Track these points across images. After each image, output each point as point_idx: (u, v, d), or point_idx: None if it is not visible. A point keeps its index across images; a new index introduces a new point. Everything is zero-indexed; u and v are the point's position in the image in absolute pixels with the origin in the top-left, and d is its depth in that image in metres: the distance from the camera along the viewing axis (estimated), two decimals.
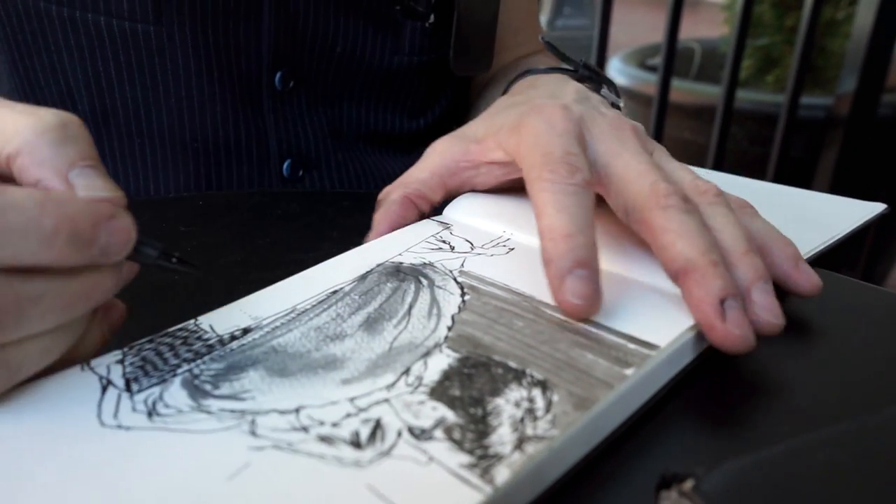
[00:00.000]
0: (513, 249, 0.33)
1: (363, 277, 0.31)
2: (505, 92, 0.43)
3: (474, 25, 0.57)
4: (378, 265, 0.32)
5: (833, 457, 0.21)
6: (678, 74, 1.73)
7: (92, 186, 0.24)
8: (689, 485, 0.20)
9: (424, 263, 0.32)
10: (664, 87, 1.48)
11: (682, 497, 0.20)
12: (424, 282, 0.30)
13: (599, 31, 1.44)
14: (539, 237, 0.28)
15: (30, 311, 0.22)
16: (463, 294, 0.29)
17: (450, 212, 0.37)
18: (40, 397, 0.24)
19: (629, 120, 0.33)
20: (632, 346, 0.25)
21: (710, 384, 0.27)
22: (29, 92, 0.52)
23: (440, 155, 0.37)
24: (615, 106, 0.36)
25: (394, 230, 0.36)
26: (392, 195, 0.37)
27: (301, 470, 0.21)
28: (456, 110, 0.69)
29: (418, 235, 0.35)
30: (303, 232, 0.41)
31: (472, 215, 0.36)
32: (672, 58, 1.45)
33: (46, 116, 0.24)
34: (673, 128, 1.84)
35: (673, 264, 0.27)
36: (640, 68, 2.06)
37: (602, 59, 1.54)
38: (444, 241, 0.34)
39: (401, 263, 0.32)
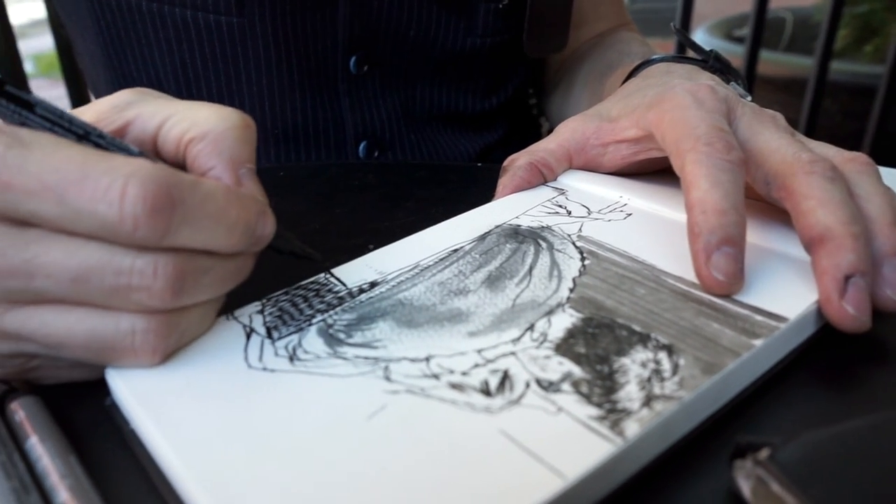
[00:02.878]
0: (630, 215, 0.33)
1: (482, 238, 0.32)
2: (632, 75, 0.42)
3: (549, 6, 0.57)
4: (496, 226, 0.33)
5: None
6: (767, 46, 1.65)
7: (251, 187, 0.27)
8: (764, 454, 0.20)
9: (542, 227, 0.33)
10: (752, 58, 1.41)
11: (756, 466, 0.20)
12: (543, 244, 0.31)
13: (683, 1, 1.39)
14: (687, 209, 0.28)
15: (202, 281, 0.24)
16: (583, 258, 0.30)
17: (565, 178, 0.38)
18: (193, 343, 0.26)
19: (768, 110, 0.33)
20: (759, 317, 0.25)
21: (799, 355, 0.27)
22: (122, 82, 0.55)
23: (571, 131, 0.37)
24: None
25: (521, 188, 0.37)
26: (518, 161, 0.37)
27: (434, 412, 0.22)
28: (531, 87, 0.68)
29: (534, 199, 0.36)
30: (379, 201, 0.42)
31: (587, 181, 0.37)
32: (761, 28, 1.37)
33: (234, 115, 0.27)
34: (760, 101, 1.75)
35: (809, 231, 0.27)
36: (727, 39, 1.98)
37: (686, 31, 1.48)
38: (560, 206, 0.35)
39: (519, 226, 0.33)
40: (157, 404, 0.23)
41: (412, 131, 0.58)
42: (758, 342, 0.24)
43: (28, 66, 0.64)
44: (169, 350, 0.25)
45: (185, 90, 0.53)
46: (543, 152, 0.37)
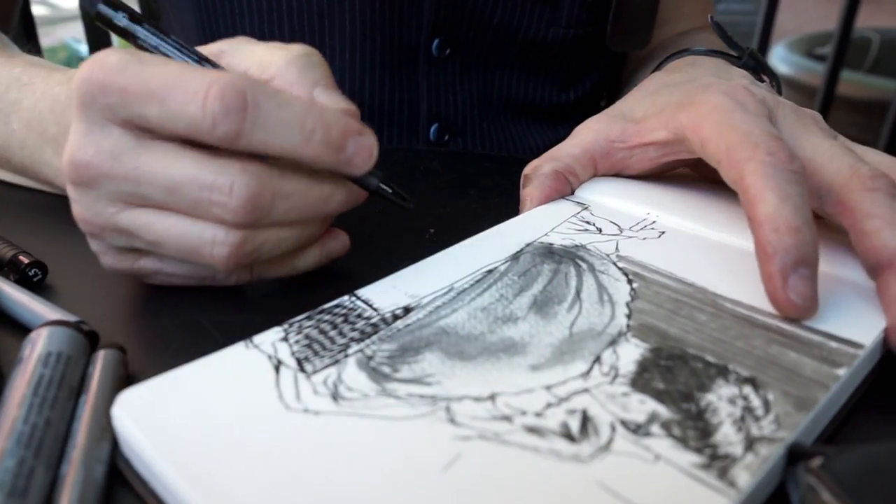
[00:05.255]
0: (664, 233, 0.32)
1: (516, 257, 0.29)
2: (658, 69, 0.41)
3: (636, 1, 0.56)
4: (527, 245, 0.30)
5: None
6: (850, 66, 1.57)
7: (332, 100, 0.28)
8: (817, 462, 0.20)
9: (576, 245, 0.30)
10: (832, 78, 1.35)
11: (808, 474, 0.20)
12: (583, 265, 0.29)
13: (765, 15, 1.34)
14: (754, 225, 0.26)
15: (280, 205, 0.27)
16: (629, 281, 0.28)
17: (584, 192, 0.36)
18: (214, 378, 0.22)
19: (806, 109, 0.32)
20: (834, 344, 0.24)
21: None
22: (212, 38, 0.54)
23: (594, 133, 0.35)
24: None
25: (545, 204, 0.35)
26: (543, 169, 0.35)
27: (517, 462, 0.20)
28: (607, 85, 0.67)
29: (559, 215, 0.33)
30: (443, 188, 0.43)
31: (608, 196, 0.35)
32: (845, 47, 1.31)
33: (294, 48, 0.29)
34: (838, 123, 1.55)
35: (875, 254, 0.26)
36: (807, 57, 1.90)
37: (765, 46, 1.41)
38: (588, 223, 0.32)
39: (551, 244, 0.31)
40: (182, 455, 0.19)
41: (485, 119, 0.57)
42: (841, 371, 0.23)
43: (113, 38, 0.77)
44: (242, 263, 0.28)
45: None
46: (568, 158, 0.35)
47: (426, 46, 0.53)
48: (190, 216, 0.27)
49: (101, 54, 0.26)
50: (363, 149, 0.27)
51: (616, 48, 0.58)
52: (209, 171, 0.26)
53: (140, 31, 0.29)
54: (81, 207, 0.28)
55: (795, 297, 0.25)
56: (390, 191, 0.30)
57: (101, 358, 0.24)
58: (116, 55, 0.26)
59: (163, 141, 0.26)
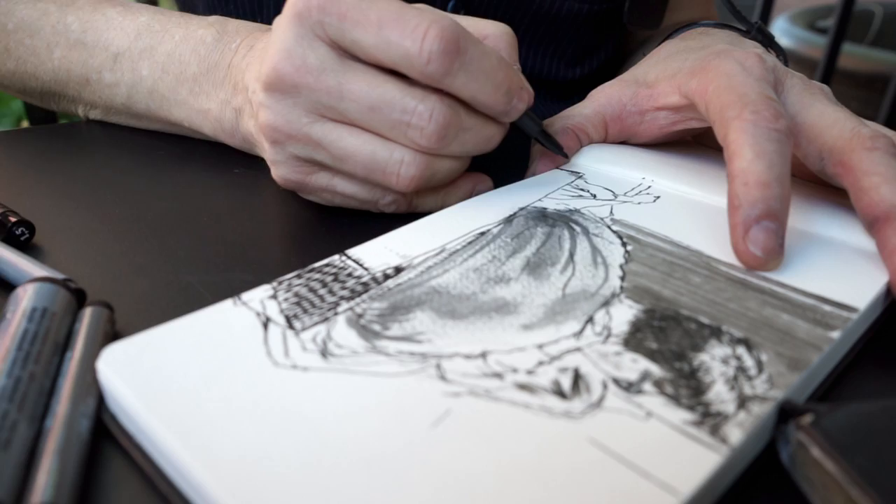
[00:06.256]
0: (659, 197, 0.31)
1: (509, 220, 0.29)
2: (669, 38, 0.41)
3: None
4: (521, 209, 0.30)
5: None
6: (853, 39, 1.56)
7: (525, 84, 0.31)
8: (807, 419, 0.20)
9: (570, 209, 0.30)
10: (834, 51, 1.32)
11: (798, 431, 0.20)
12: (577, 228, 0.29)
13: None
14: (729, 179, 0.26)
15: (461, 136, 0.29)
16: (624, 244, 0.28)
17: (579, 159, 0.35)
18: (201, 334, 0.22)
19: (815, 81, 0.32)
20: (827, 307, 0.24)
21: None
22: (218, 6, 0.53)
23: (607, 97, 0.35)
24: None
25: (556, 163, 0.35)
26: (554, 126, 0.35)
27: (508, 418, 0.19)
28: (614, 64, 0.67)
29: (553, 183, 0.33)
30: None
31: (603, 162, 0.34)
32: (847, 19, 1.28)
33: (502, 25, 0.32)
34: (839, 96, 1.56)
35: (873, 209, 0.26)
36: (809, 30, 1.86)
37: (766, 19, 1.35)
38: (582, 190, 0.32)
39: (545, 209, 0.30)
40: (168, 409, 0.19)
41: None
42: (835, 334, 0.23)
43: None
44: (420, 187, 0.30)
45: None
46: (579, 117, 0.35)
47: (442, 8, 0.51)
48: (383, 136, 0.29)
49: None
50: (522, 101, 0.30)
51: (632, 26, 0.58)
52: (412, 97, 0.28)
53: None
54: (273, 114, 0.29)
55: (754, 248, 0.25)
56: (550, 138, 0.33)
57: (88, 315, 0.24)
58: None
59: (365, 64, 0.28)
